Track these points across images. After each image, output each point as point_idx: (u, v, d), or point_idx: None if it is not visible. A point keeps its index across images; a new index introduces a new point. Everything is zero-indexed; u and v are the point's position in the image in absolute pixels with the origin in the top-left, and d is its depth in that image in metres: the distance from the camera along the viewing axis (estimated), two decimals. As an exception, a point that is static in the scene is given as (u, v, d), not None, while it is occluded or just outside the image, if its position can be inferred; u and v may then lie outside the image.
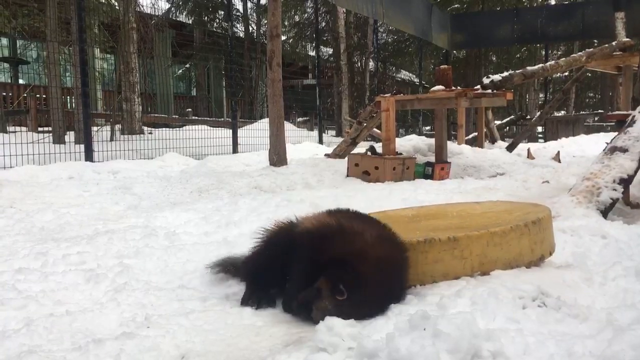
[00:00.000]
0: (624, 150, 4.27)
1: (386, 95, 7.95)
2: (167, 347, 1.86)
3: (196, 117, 16.52)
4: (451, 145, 8.37)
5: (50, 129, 10.80)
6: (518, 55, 26.34)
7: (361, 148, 9.15)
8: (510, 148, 10.51)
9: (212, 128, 12.28)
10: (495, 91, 7.90)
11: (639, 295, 2.18)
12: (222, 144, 11.20)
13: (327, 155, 9.09)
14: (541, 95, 26.27)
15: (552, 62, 9.97)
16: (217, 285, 2.57)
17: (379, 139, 9.48)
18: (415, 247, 2.28)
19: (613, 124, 12.09)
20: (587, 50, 10.29)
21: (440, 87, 7.88)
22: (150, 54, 15.21)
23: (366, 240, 2.18)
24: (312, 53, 21.13)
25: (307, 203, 4.71)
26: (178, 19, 20.30)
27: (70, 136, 10.43)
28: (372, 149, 7.72)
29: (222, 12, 21.22)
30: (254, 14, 23.54)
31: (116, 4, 13.42)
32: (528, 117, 17.71)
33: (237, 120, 12.10)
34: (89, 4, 11.32)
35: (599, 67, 10.64)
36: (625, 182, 4.09)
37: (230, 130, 11.66)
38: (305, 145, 12.33)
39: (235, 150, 11.40)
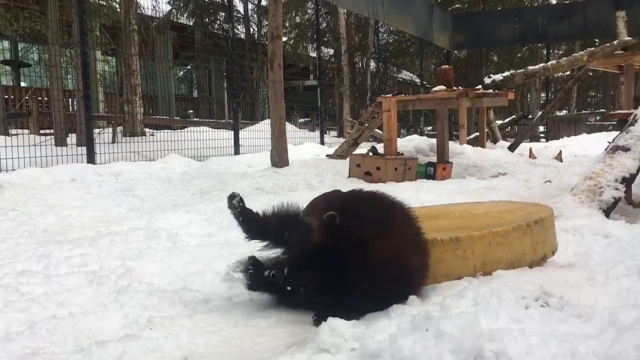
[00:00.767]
0: (626, 149, 4.26)
1: (387, 95, 7.96)
2: (170, 349, 1.86)
3: (198, 119, 16.53)
4: (453, 146, 8.36)
5: (52, 131, 10.82)
6: (519, 55, 26.31)
7: (363, 149, 9.15)
8: (512, 148, 10.49)
9: (213, 129, 12.28)
10: (496, 91, 7.90)
11: (641, 295, 2.18)
12: (224, 146, 11.20)
13: (329, 156, 9.09)
14: (543, 94, 26.25)
15: (554, 61, 9.95)
16: (219, 287, 2.58)
17: (381, 139, 9.48)
18: (417, 247, 2.27)
19: (615, 123, 12.08)
20: (588, 49, 10.26)
21: (442, 87, 7.88)
22: (152, 56, 15.21)
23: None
24: (313, 54, 21.13)
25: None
26: (179, 21, 20.31)
27: (72, 138, 10.44)
28: (373, 149, 7.72)
29: (223, 14, 21.23)
30: (255, 16, 23.56)
31: (117, 6, 13.43)
32: (530, 116, 17.69)
33: (239, 122, 12.09)
34: (90, 7, 11.34)
35: (600, 67, 10.61)
36: (628, 181, 4.08)
37: (232, 132, 11.66)
38: (307, 146, 12.33)
39: (237, 151, 11.39)
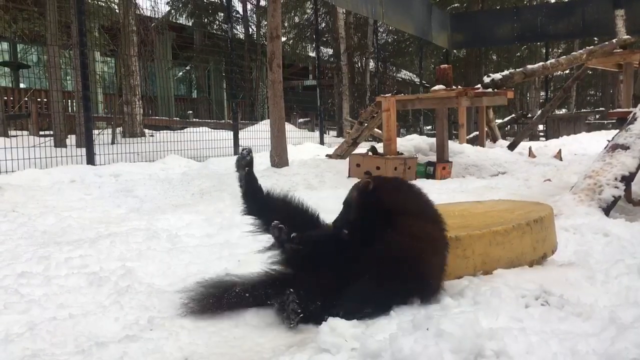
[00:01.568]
0: (625, 147, 4.26)
1: (387, 95, 7.96)
2: (171, 350, 1.86)
3: (197, 119, 16.53)
4: (452, 145, 8.36)
5: (51, 132, 10.82)
6: (518, 54, 26.34)
7: (362, 148, 9.15)
8: (511, 147, 10.50)
9: (213, 130, 12.28)
10: (496, 90, 7.90)
11: (642, 293, 2.18)
12: (224, 146, 11.20)
13: (329, 156, 9.09)
14: (542, 93, 26.26)
15: (553, 60, 9.96)
16: (219, 287, 2.57)
17: (380, 139, 9.48)
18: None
19: (614, 121, 12.08)
20: (587, 48, 10.26)
21: (441, 86, 7.89)
22: (151, 56, 15.21)
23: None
24: (313, 54, 21.12)
25: (309, 204, 4.71)
26: (178, 22, 20.31)
27: (71, 139, 10.44)
28: (373, 149, 7.72)
29: (222, 14, 21.23)
30: (254, 16, 23.54)
31: (116, 7, 13.43)
32: (529, 115, 17.70)
33: (238, 122, 12.10)
34: (89, 8, 11.34)
35: (599, 65, 10.62)
36: (627, 179, 4.08)
37: (232, 132, 11.67)
38: (307, 146, 12.33)
39: (236, 152, 11.39)
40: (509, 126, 17.93)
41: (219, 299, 2.19)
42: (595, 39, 20.32)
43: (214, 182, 6.48)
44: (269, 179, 6.64)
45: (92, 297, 2.48)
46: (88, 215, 4.78)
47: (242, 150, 2.35)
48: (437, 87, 7.90)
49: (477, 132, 11.44)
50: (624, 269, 2.43)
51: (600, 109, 23.32)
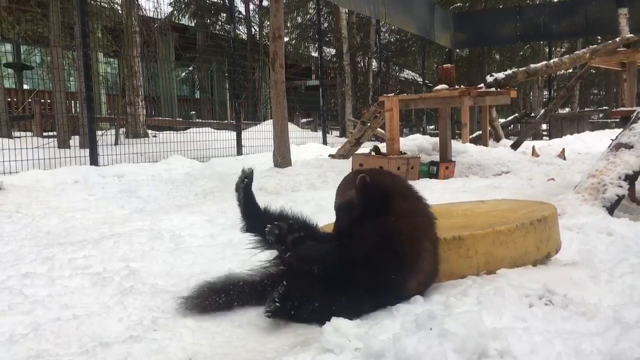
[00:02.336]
0: (629, 146, 4.25)
1: (390, 94, 7.95)
2: (174, 350, 1.86)
3: (200, 120, 16.55)
4: (455, 144, 8.35)
5: (55, 133, 10.84)
6: (521, 53, 26.31)
7: (365, 148, 9.15)
8: (514, 146, 10.47)
9: (216, 130, 12.29)
10: (499, 89, 7.89)
11: (646, 292, 2.17)
12: (227, 146, 11.21)
13: (331, 156, 9.09)
14: (545, 92, 26.17)
15: (556, 59, 9.94)
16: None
17: (383, 139, 9.48)
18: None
19: (618, 120, 12.06)
20: (590, 47, 10.24)
21: (444, 86, 7.87)
22: (154, 57, 15.23)
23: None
24: (315, 54, 21.12)
25: (312, 204, 4.71)
26: (180, 22, 20.33)
27: (75, 140, 10.47)
28: (376, 149, 7.71)
29: (225, 15, 21.25)
30: (256, 16, 23.56)
31: (119, 8, 13.45)
32: (532, 114, 17.68)
33: (241, 122, 12.11)
34: (92, 9, 11.37)
35: (602, 64, 10.61)
36: (631, 178, 4.07)
37: (234, 132, 11.68)
38: (310, 146, 12.33)
39: (239, 152, 11.41)
40: (512, 125, 17.91)
41: (219, 295, 2.23)
42: (599, 37, 20.29)
43: (217, 183, 6.48)
44: (272, 179, 6.65)
45: (96, 298, 2.49)
46: (92, 216, 4.79)
47: (244, 169, 2.43)
48: (439, 87, 7.89)
49: (480, 132, 11.43)
50: (628, 268, 2.42)
51: (604, 108, 23.25)
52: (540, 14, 19.84)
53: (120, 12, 13.35)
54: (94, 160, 8.39)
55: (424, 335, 1.59)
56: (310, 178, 6.79)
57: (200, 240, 3.71)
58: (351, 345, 1.72)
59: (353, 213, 2.24)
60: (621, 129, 4.95)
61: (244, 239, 3.42)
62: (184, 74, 23.49)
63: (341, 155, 8.88)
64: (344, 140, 12.90)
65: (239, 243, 3.45)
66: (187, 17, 20.96)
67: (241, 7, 22.80)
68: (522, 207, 2.90)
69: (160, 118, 15.73)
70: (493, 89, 7.84)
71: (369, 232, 2.14)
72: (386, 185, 2.30)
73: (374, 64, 22.72)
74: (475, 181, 6.53)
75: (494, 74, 8.13)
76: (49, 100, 13.76)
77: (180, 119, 16.71)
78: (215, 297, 2.23)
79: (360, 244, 2.12)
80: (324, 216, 4.03)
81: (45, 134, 11.82)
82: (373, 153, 7.53)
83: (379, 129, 10.12)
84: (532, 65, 8.83)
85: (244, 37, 21.95)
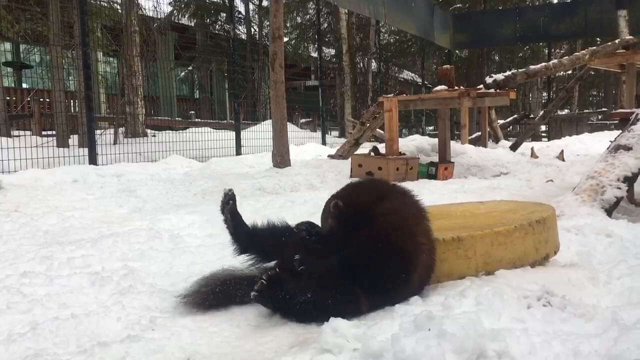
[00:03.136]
0: (628, 148, 4.25)
1: (389, 95, 7.95)
2: (173, 350, 1.86)
3: (199, 120, 16.54)
4: (454, 145, 8.35)
5: (54, 132, 10.83)
6: (521, 54, 26.32)
7: (364, 149, 9.15)
8: (513, 147, 10.49)
9: (215, 130, 12.29)
10: (498, 90, 7.89)
11: (644, 294, 2.17)
12: (226, 146, 11.21)
13: (331, 156, 9.09)
14: (544, 94, 26.23)
15: (555, 60, 9.94)
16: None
17: (382, 139, 9.48)
18: (419, 247, 2.27)
19: (617, 122, 12.05)
20: (590, 48, 10.24)
21: (443, 87, 7.88)
22: (153, 57, 15.23)
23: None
24: (315, 54, 21.14)
25: (310, 204, 4.72)
26: (180, 22, 20.33)
27: (74, 140, 10.47)
28: (375, 149, 7.72)
29: (224, 15, 21.25)
30: (256, 16, 23.56)
31: (119, 7, 13.45)
32: (531, 116, 17.66)
33: (240, 122, 12.11)
34: (91, 8, 11.36)
35: (602, 66, 10.60)
36: (630, 180, 4.07)
37: (234, 132, 11.68)
38: (309, 147, 12.34)
39: (238, 152, 11.41)
40: (511, 127, 17.90)
41: (217, 293, 2.25)
42: (598, 39, 20.29)
43: (216, 183, 6.48)
44: (271, 179, 6.65)
45: (94, 297, 2.49)
46: (90, 215, 4.78)
47: (224, 191, 2.42)
48: (439, 88, 7.89)
49: (480, 133, 11.45)
50: (626, 270, 2.42)
51: (603, 109, 23.30)
52: (540, 15, 19.86)
53: (119, 11, 13.35)
54: (92, 160, 8.39)
55: (422, 336, 1.59)
56: (309, 178, 6.79)
57: (199, 240, 3.70)
58: (350, 345, 1.72)
59: (337, 236, 2.26)
60: (620, 131, 4.96)
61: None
62: (183, 73, 23.48)
63: (340, 155, 8.88)
64: (343, 140, 12.91)
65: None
66: (186, 16, 20.95)
67: (241, 7, 22.80)
68: (520, 208, 2.90)
69: (159, 118, 15.72)
70: (492, 90, 7.84)
71: (361, 239, 2.15)
72: (362, 200, 2.28)
73: (374, 64, 22.73)
74: (474, 182, 6.53)
75: (493, 75, 8.13)
76: (48, 99, 13.74)
77: (180, 119, 16.69)
78: (214, 295, 2.24)
79: (357, 251, 2.12)
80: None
81: (44, 133, 11.80)
82: (372, 154, 7.54)
83: (378, 130, 10.13)
84: (532, 67, 8.83)
85: (243, 37, 21.94)
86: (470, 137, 11.46)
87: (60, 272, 2.84)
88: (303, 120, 20.98)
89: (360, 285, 2.06)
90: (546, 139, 17.28)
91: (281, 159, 7.61)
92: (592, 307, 1.98)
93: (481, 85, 8.10)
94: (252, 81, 21.10)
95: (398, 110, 7.65)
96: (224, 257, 3.13)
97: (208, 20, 21.68)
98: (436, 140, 8.20)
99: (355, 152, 8.65)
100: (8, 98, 13.47)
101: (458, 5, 24.04)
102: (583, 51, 10.06)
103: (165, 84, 16.98)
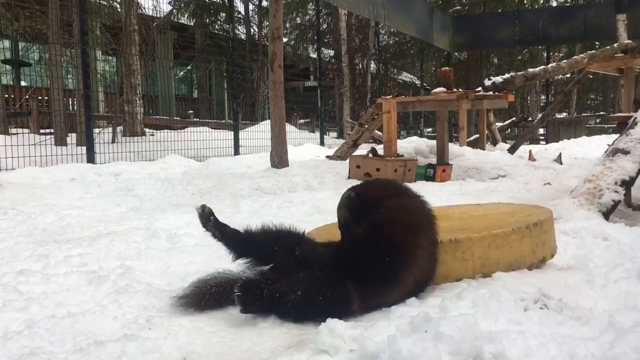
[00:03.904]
0: (625, 152, 4.26)
1: (388, 97, 7.96)
2: (169, 349, 1.86)
3: (198, 119, 16.54)
4: (453, 147, 8.36)
5: (52, 130, 10.82)
6: (520, 57, 26.34)
7: (363, 150, 9.15)
8: (511, 150, 10.50)
9: (213, 130, 12.30)
10: (496, 93, 7.90)
11: (641, 298, 2.18)
12: (224, 146, 11.21)
13: (329, 157, 9.10)
14: (543, 97, 26.24)
15: (554, 64, 9.96)
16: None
17: (381, 140, 9.48)
18: (416, 249, 2.27)
19: (615, 125, 12.08)
20: (588, 52, 10.27)
21: (442, 89, 7.89)
22: (152, 56, 15.22)
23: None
24: (314, 55, 21.16)
25: (308, 205, 4.72)
26: (180, 21, 20.33)
27: (72, 138, 10.44)
28: (373, 150, 7.72)
29: (224, 14, 21.25)
30: (256, 16, 23.56)
31: (118, 6, 13.44)
32: (530, 119, 17.68)
33: (239, 122, 12.10)
34: (90, 6, 11.35)
35: (600, 69, 10.62)
36: (627, 184, 4.08)
37: (232, 132, 11.67)
38: (307, 147, 12.33)
39: (236, 152, 11.40)
40: (509, 129, 17.93)
41: (214, 294, 2.25)
42: (597, 43, 20.34)
43: (214, 182, 6.48)
44: (269, 180, 6.64)
45: (91, 296, 2.48)
46: (88, 214, 4.78)
47: (197, 210, 2.42)
48: (438, 90, 7.90)
49: (478, 135, 11.46)
50: (623, 273, 2.43)
51: (601, 113, 23.34)
52: (539, 19, 19.88)
53: (119, 10, 13.34)
54: (90, 158, 8.39)
55: (419, 338, 1.59)
56: (307, 179, 6.79)
57: (197, 239, 3.69)
58: (346, 346, 1.72)
59: (352, 230, 2.29)
60: (618, 135, 4.97)
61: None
62: (182, 73, 23.47)
63: (338, 156, 8.89)
64: (341, 141, 12.91)
65: (235, 243, 3.45)
66: (186, 16, 20.96)
67: (240, 7, 22.83)
68: (518, 211, 2.90)
69: (158, 117, 15.72)
70: (491, 93, 7.85)
71: (362, 226, 2.18)
72: (374, 193, 2.33)
73: (373, 65, 22.75)
74: (472, 184, 6.54)
75: (492, 77, 8.14)
76: (46, 98, 13.73)
77: (178, 118, 16.68)
78: (210, 296, 2.24)
79: (354, 237, 2.18)
80: (320, 217, 4.04)
81: (42, 131, 11.79)
82: (370, 155, 7.54)
83: (376, 131, 10.13)
84: (530, 70, 8.84)
85: (243, 37, 21.95)
86: (468, 140, 11.47)
87: (57, 271, 2.83)
88: (301, 121, 20.98)
89: (352, 277, 2.07)
90: (544, 142, 17.30)
91: (279, 159, 7.61)
92: (588, 310, 1.98)
93: (480, 88, 8.12)
94: (251, 81, 21.11)
95: (397, 111, 7.66)
96: (221, 257, 3.12)
97: (207, 19, 21.69)
98: (434, 142, 8.21)
99: (354, 153, 8.65)
100: (6, 96, 13.45)
101: (457, 8, 24.08)
102: (582, 55, 10.08)
103: (164, 83, 16.96)
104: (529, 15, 20.87)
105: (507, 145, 11.48)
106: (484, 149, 9.88)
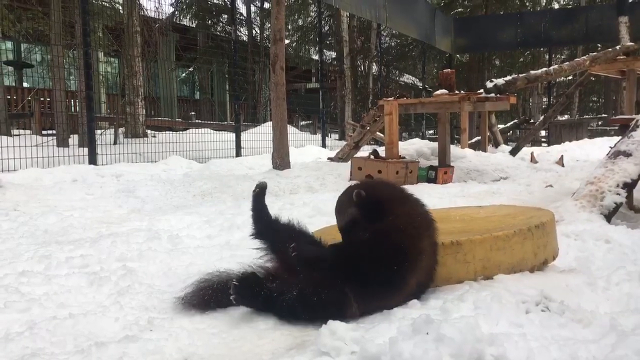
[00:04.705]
0: (627, 154, 4.26)
1: (389, 99, 7.96)
2: (170, 351, 1.86)
3: (199, 121, 16.55)
4: (454, 149, 8.35)
5: (54, 132, 10.84)
6: (522, 59, 26.37)
7: (364, 152, 9.14)
8: (513, 152, 10.49)
9: (215, 131, 12.29)
10: (498, 95, 7.89)
11: (642, 300, 2.17)
12: (226, 148, 11.21)
13: (330, 159, 9.09)
14: (545, 99, 26.26)
15: (556, 66, 9.95)
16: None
17: (382, 142, 9.48)
18: (418, 251, 2.27)
19: (617, 128, 12.07)
20: (590, 54, 10.26)
21: (444, 91, 7.88)
22: (154, 57, 15.25)
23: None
24: (316, 57, 21.14)
25: (310, 206, 4.71)
26: (182, 23, 20.35)
27: (74, 139, 10.47)
28: (375, 152, 7.71)
29: (226, 16, 21.29)
30: (258, 18, 23.59)
31: (120, 7, 13.46)
32: (531, 121, 17.70)
33: (241, 124, 12.12)
34: (93, 8, 11.38)
35: (602, 72, 10.61)
36: (629, 186, 4.07)
37: (234, 134, 11.68)
38: (309, 149, 12.33)
39: (238, 153, 11.41)
40: (511, 131, 17.92)
41: (215, 294, 2.27)
42: (599, 45, 20.33)
43: (216, 184, 6.48)
44: (271, 181, 6.63)
45: (93, 297, 2.48)
46: (89, 215, 4.78)
47: (258, 182, 2.54)
48: (439, 92, 7.90)
49: (479, 137, 11.44)
50: (625, 276, 2.42)
51: (603, 115, 23.32)
52: (541, 21, 19.90)
53: (121, 11, 13.36)
54: (92, 160, 8.39)
55: (420, 340, 1.59)
56: (308, 181, 6.79)
57: (198, 241, 3.70)
58: (347, 348, 1.72)
59: (358, 229, 2.26)
60: (620, 137, 4.96)
61: (241, 240, 3.46)
62: (184, 74, 23.50)
63: (340, 158, 8.88)
64: (343, 143, 12.90)
65: (237, 244, 3.46)
66: (188, 17, 20.99)
67: (242, 9, 22.85)
68: (520, 213, 2.90)
69: (159, 118, 15.72)
70: (493, 95, 7.84)
71: (369, 231, 2.16)
72: (382, 194, 2.33)
73: (374, 67, 22.76)
74: (473, 186, 6.53)
75: (493, 79, 8.14)
76: (48, 99, 13.75)
77: (180, 120, 16.70)
78: (211, 297, 2.25)
79: (360, 242, 2.14)
80: (322, 219, 4.04)
81: (44, 132, 11.81)
82: (372, 157, 7.53)
83: (378, 133, 10.12)
84: (532, 72, 8.83)
85: (245, 39, 21.98)
86: (470, 142, 11.46)
87: (59, 272, 2.83)
88: (303, 123, 21.00)
89: (352, 281, 2.06)
90: (546, 144, 17.27)
91: (281, 161, 7.61)
92: (590, 312, 1.98)
93: (482, 90, 8.11)
94: (252, 83, 21.13)
95: (398, 113, 7.65)
96: (223, 258, 3.13)
97: (209, 21, 21.72)
98: (436, 144, 8.20)
99: (355, 155, 8.64)
100: (9, 97, 13.46)
101: (459, 10, 24.09)
102: (584, 57, 10.07)
103: (166, 85, 16.99)
104: (531, 17, 20.89)
105: (509, 148, 11.48)
106: (485, 151, 9.87)
